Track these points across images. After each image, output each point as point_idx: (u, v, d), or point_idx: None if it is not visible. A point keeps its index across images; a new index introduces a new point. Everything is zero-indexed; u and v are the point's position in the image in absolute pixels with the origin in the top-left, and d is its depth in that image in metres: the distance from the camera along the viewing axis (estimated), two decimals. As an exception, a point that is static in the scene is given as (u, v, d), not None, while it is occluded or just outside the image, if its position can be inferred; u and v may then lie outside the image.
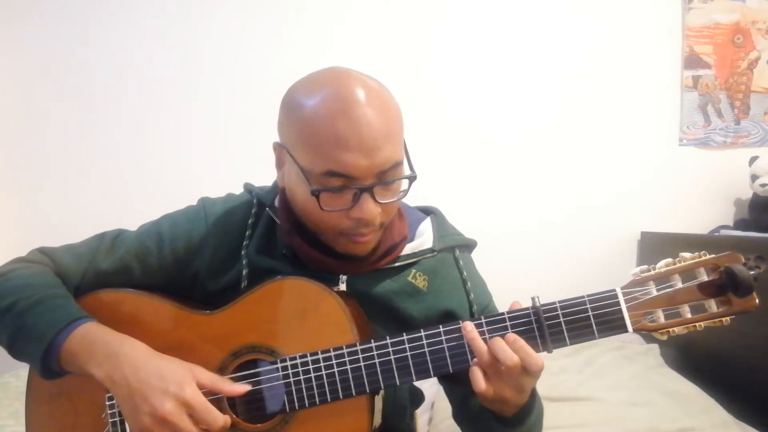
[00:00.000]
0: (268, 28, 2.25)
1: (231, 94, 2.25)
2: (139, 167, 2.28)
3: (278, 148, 0.87)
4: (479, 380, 0.76)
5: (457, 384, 0.97)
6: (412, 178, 0.83)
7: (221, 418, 0.76)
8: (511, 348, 0.75)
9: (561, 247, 2.18)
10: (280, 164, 0.89)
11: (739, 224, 2.04)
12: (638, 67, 2.17)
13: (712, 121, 2.15)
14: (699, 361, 1.69)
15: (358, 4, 2.24)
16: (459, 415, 1.01)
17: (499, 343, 0.76)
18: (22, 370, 1.89)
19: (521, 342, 0.75)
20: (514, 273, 2.06)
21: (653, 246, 2.08)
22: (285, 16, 2.25)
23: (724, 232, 2.00)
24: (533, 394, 0.85)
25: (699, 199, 2.15)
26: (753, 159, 2.00)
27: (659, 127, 2.17)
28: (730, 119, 2.15)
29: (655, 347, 1.85)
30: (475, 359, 0.77)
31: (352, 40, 2.22)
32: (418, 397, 1.10)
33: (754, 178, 1.98)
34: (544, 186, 2.20)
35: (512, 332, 0.77)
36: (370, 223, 0.81)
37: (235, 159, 2.23)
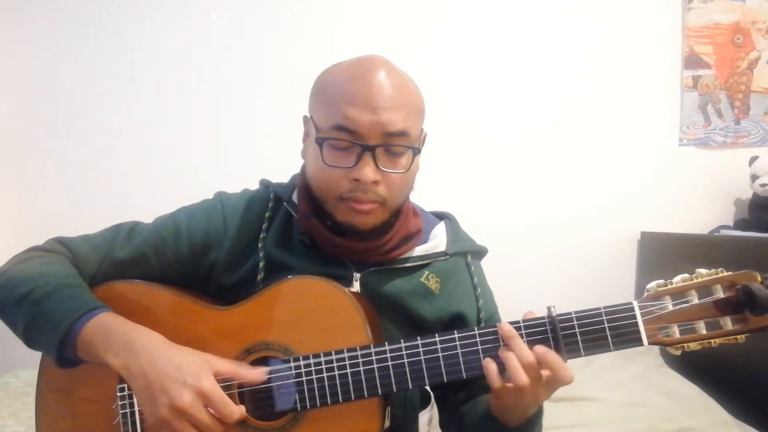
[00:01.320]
0: (268, 28, 2.25)
1: (231, 93, 2.25)
2: (140, 166, 2.28)
3: (305, 120, 0.92)
4: (494, 376, 0.76)
5: (451, 391, 0.98)
6: (415, 150, 0.86)
7: (237, 410, 0.76)
8: (542, 359, 0.75)
9: (561, 247, 2.18)
10: (304, 137, 0.93)
11: (739, 224, 2.04)
12: (638, 67, 2.17)
13: (712, 121, 2.15)
14: (699, 361, 1.69)
15: (359, 4, 2.24)
16: (451, 423, 1.00)
17: (518, 340, 0.77)
18: (22, 370, 1.89)
19: (552, 354, 0.75)
20: (515, 273, 2.06)
21: (653, 246, 2.08)
22: (285, 16, 2.25)
23: (724, 232, 2.00)
24: (539, 409, 0.86)
25: (699, 199, 2.15)
26: (753, 159, 2.00)
27: (659, 127, 2.17)
28: (730, 119, 2.15)
29: (655, 347, 1.84)
30: (487, 358, 0.78)
31: (352, 40, 2.22)
32: (427, 399, 1.10)
33: (754, 178, 1.98)
34: (543, 186, 2.20)
35: (527, 341, 0.78)
36: (368, 188, 0.83)
37: (236, 158, 2.23)
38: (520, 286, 1.94)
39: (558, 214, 2.19)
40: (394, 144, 0.83)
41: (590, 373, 1.66)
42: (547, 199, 2.20)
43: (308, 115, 0.91)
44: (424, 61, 2.20)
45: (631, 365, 1.70)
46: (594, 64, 2.18)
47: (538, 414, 0.86)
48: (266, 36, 2.25)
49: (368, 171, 0.82)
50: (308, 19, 2.24)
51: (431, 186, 2.12)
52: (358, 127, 0.81)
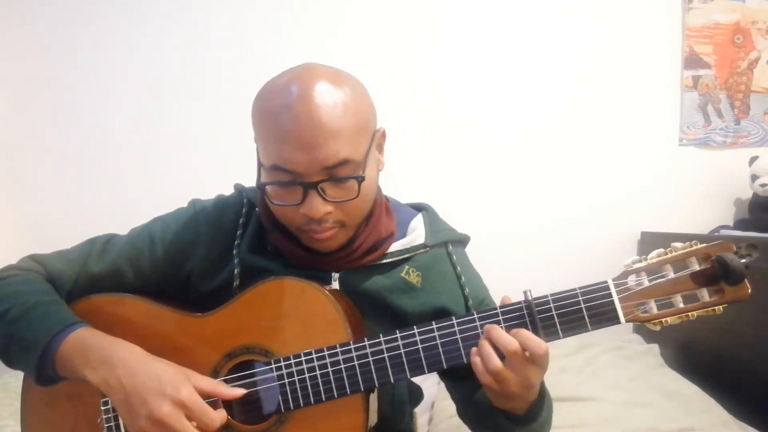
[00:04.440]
0: (268, 27, 2.25)
1: (231, 94, 2.24)
2: (139, 169, 2.28)
3: (256, 140, 0.88)
4: (481, 372, 0.76)
5: (461, 380, 0.97)
6: (359, 179, 0.81)
7: (218, 418, 0.76)
8: (516, 338, 0.75)
9: (561, 247, 2.18)
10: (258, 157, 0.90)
11: (739, 224, 2.04)
12: (638, 67, 2.17)
13: (712, 121, 2.15)
14: (699, 361, 1.69)
15: (359, 4, 2.24)
16: (465, 413, 1.00)
17: (496, 330, 0.76)
18: (22, 370, 1.89)
19: (523, 331, 0.75)
20: (514, 273, 2.05)
21: (653, 246, 2.06)
22: (284, 17, 2.25)
23: (724, 232, 2.00)
24: (543, 391, 0.85)
25: (699, 199, 2.15)
26: (753, 159, 2.00)
27: (659, 127, 2.17)
28: (730, 119, 2.15)
29: (655, 347, 1.84)
30: (475, 349, 0.77)
31: (352, 40, 2.22)
32: (417, 396, 1.10)
33: (754, 178, 1.98)
34: (543, 186, 2.20)
35: (505, 326, 0.77)
36: (321, 220, 0.81)
37: (236, 159, 2.22)
38: (519, 286, 1.94)
39: (558, 214, 2.19)
40: (337, 177, 0.79)
41: (590, 373, 1.66)
42: (547, 199, 2.20)
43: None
44: (424, 62, 2.20)
45: (631, 365, 1.70)
46: (594, 64, 2.18)
47: (541, 399, 0.85)
48: (266, 36, 2.25)
49: (316, 206, 0.79)
50: (308, 19, 2.24)
51: (431, 186, 2.13)
52: (293, 167, 0.78)
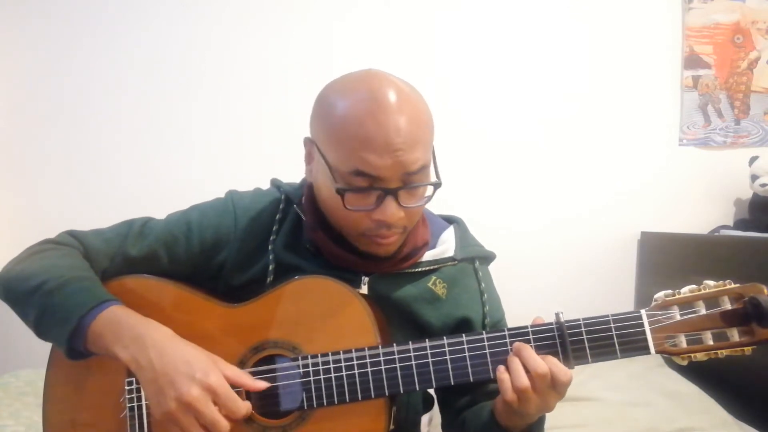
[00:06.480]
0: (270, 26, 2.25)
1: (232, 93, 2.25)
2: (139, 167, 2.28)
3: (308, 143, 0.89)
4: (508, 389, 0.76)
5: (455, 395, 0.98)
6: (436, 185, 0.85)
7: (244, 407, 0.77)
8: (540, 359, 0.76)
9: (561, 247, 2.18)
10: (309, 159, 0.90)
11: (739, 224, 2.04)
12: (638, 67, 2.17)
13: (712, 121, 2.15)
14: (699, 362, 1.69)
15: (361, 5, 2.23)
16: (451, 427, 1.00)
17: (527, 349, 0.77)
18: (22, 370, 1.89)
19: (550, 357, 0.77)
20: (515, 273, 2.06)
21: (653, 246, 2.08)
22: (287, 15, 2.24)
23: (724, 232, 2.00)
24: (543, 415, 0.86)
25: (699, 199, 2.15)
26: (753, 159, 2.00)
27: (659, 127, 2.17)
28: (730, 119, 2.15)
29: (655, 347, 1.85)
30: (503, 367, 0.78)
31: (353, 40, 2.22)
32: (429, 404, 1.10)
33: (754, 178, 1.98)
34: (544, 186, 2.20)
35: (534, 346, 0.78)
36: (392, 225, 0.82)
37: (235, 159, 2.23)
38: (520, 285, 1.94)
39: (558, 214, 2.19)
40: (415, 184, 0.82)
41: (590, 373, 1.66)
42: (547, 199, 2.20)
43: (311, 139, 0.87)
44: (426, 62, 2.20)
45: (631, 365, 1.70)
46: (594, 64, 2.18)
47: (541, 417, 0.86)
48: (267, 34, 2.24)
49: (392, 211, 0.81)
50: (311, 16, 2.24)
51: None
52: (378, 172, 0.79)
